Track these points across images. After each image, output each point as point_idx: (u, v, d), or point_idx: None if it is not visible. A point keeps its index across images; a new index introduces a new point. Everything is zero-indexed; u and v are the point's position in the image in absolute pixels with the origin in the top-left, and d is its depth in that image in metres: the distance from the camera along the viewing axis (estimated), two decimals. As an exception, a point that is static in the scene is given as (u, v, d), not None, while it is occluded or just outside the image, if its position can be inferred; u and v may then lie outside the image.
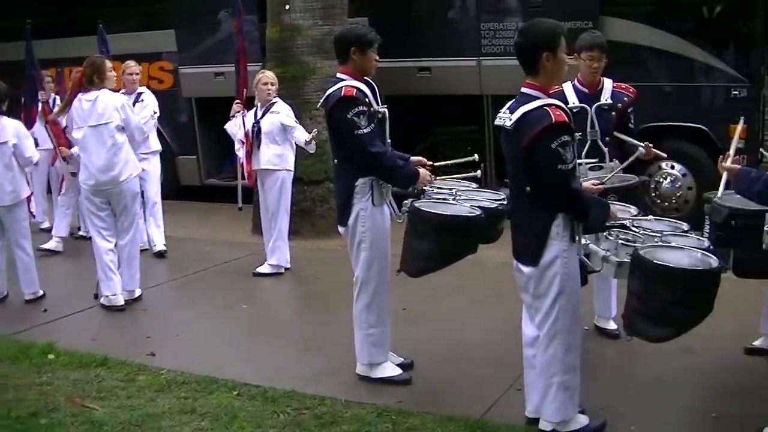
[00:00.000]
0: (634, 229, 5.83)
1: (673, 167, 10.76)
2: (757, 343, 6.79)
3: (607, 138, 7.01)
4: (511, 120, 5.12)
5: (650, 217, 6.33)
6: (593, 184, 5.78)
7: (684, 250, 5.45)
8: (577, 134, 5.47)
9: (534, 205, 5.17)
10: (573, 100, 6.94)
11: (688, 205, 10.57)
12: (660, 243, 5.55)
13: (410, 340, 7.12)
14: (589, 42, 7.01)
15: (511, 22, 10.94)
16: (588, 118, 6.97)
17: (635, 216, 6.12)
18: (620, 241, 5.56)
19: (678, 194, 10.76)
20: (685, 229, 6.04)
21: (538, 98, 5.13)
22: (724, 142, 10.30)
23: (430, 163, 6.63)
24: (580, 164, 6.77)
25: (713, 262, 5.28)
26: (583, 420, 5.57)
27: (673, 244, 5.57)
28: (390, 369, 6.53)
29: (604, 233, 5.68)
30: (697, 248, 5.51)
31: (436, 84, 11.51)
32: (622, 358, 6.84)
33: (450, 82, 11.41)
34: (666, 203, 10.83)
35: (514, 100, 5.27)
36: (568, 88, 7.04)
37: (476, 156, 7.13)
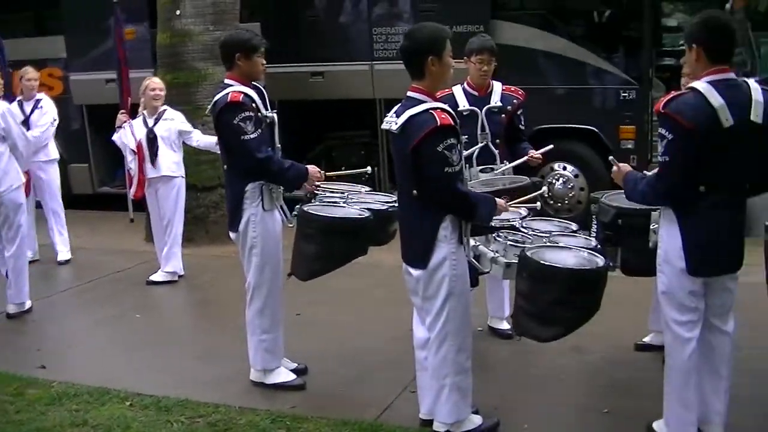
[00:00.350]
0: (523, 230, 5.89)
1: (565, 168, 10.90)
2: (646, 339, 6.93)
3: (498, 140, 7.08)
4: (397, 124, 5.12)
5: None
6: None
7: (571, 250, 5.52)
8: (463, 137, 5.50)
9: (421, 208, 5.17)
10: (463, 104, 7.00)
11: (581, 206, 10.71)
12: (548, 243, 5.61)
13: (304, 345, 7.08)
14: (479, 45, 7.07)
15: (403, 26, 10.95)
16: (479, 121, 7.02)
17: (524, 217, 6.17)
18: (509, 242, 5.60)
19: (570, 195, 10.91)
20: (574, 229, 6.13)
21: (423, 102, 5.15)
22: (614, 143, 10.52)
23: (322, 172, 6.59)
24: (470, 166, 6.86)
25: (599, 261, 5.35)
26: (476, 420, 5.61)
27: (560, 244, 5.65)
28: (284, 374, 6.50)
29: (494, 234, 5.72)
30: (585, 248, 5.59)
31: (329, 88, 11.49)
32: (515, 358, 6.89)
33: (343, 86, 11.41)
34: (559, 204, 10.97)
35: (400, 104, 5.27)
36: (458, 91, 7.09)
37: (369, 168, 7.13)
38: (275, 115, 6.37)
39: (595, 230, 6.15)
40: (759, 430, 5.69)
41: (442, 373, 5.37)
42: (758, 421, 5.80)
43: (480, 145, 7.03)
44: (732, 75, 4.95)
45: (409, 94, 5.24)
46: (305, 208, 6.20)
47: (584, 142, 10.64)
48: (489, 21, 10.69)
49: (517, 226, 5.93)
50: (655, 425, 5.48)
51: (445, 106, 5.20)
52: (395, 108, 5.29)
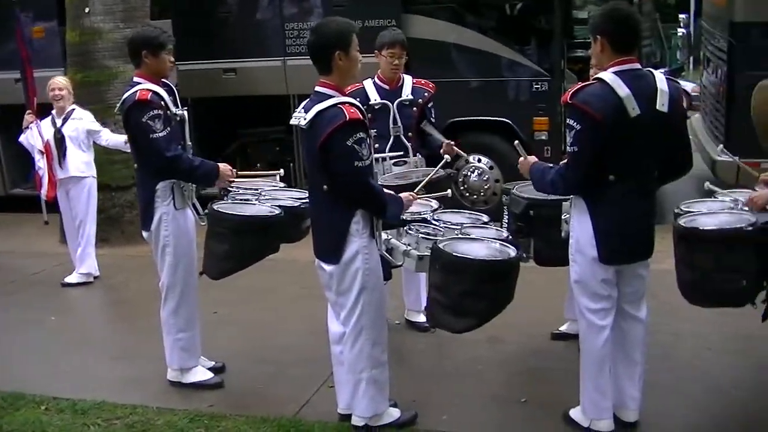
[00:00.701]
0: (434, 222, 5.91)
1: (480, 160, 10.94)
2: (562, 328, 7.01)
3: (410, 133, 7.12)
4: (306, 119, 5.12)
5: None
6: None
7: (483, 242, 5.56)
8: (372, 131, 5.51)
9: (332, 203, 5.17)
10: (374, 97, 7.03)
11: (497, 198, 10.74)
12: (459, 235, 5.64)
13: (222, 343, 7.07)
14: (391, 39, 7.08)
15: (316, 21, 10.90)
16: (390, 115, 7.05)
17: (435, 210, 6.19)
18: (420, 235, 5.61)
19: (486, 187, 10.95)
20: (485, 220, 6.17)
21: (332, 96, 5.14)
22: (528, 134, 10.59)
23: (234, 170, 6.54)
24: (384, 159, 6.87)
25: (511, 252, 5.41)
26: (394, 413, 5.63)
27: (472, 235, 5.68)
28: (201, 373, 6.46)
29: (405, 227, 5.73)
30: (496, 239, 5.63)
31: (242, 85, 11.40)
32: (432, 350, 6.94)
33: (256, 82, 11.33)
34: (474, 196, 11.01)
35: (309, 99, 5.27)
36: (369, 85, 7.12)
37: (282, 171, 7.09)
38: (185, 113, 6.32)
39: (507, 221, 6.20)
40: (673, 414, 5.79)
41: (359, 367, 5.38)
42: (672, 404, 5.91)
43: (392, 137, 7.06)
44: (637, 65, 5.03)
45: (317, 89, 5.24)
46: (216, 207, 6.16)
47: (498, 134, 10.68)
48: (400, 15, 10.70)
49: (429, 218, 5.95)
50: (572, 412, 5.56)
51: (354, 101, 5.21)
52: (303, 103, 5.29)
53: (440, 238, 5.53)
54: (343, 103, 5.08)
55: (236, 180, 6.55)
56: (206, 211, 6.27)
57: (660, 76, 5.03)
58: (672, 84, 5.06)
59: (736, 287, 5.28)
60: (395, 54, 7.04)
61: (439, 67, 10.50)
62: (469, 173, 10.96)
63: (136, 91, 6.02)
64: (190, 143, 6.37)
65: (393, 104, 7.07)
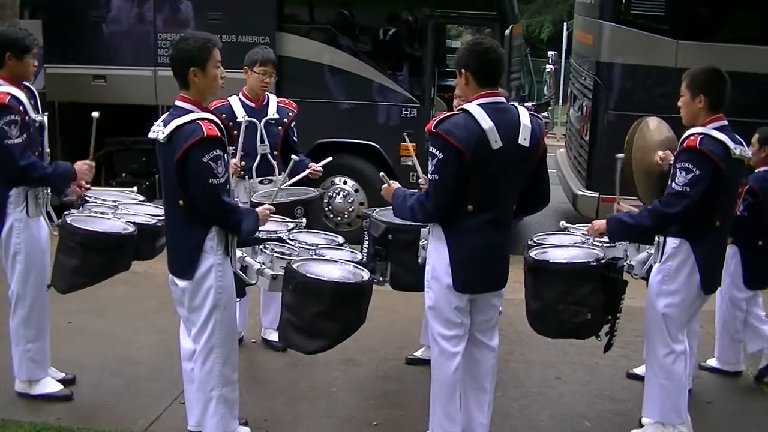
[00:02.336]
0: (290, 242, 5.93)
1: (345, 183, 11.00)
2: (417, 353, 7.06)
3: (275, 152, 7.12)
4: (164, 133, 5.03)
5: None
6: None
7: (337, 263, 5.59)
8: (230, 147, 5.49)
9: (188, 219, 5.10)
10: (242, 114, 7.01)
11: (360, 220, 10.82)
12: (314, 256, 5.67)
13: (74, 355, 6.92)
14: (263, 57, 7.08)
15: (189, 33, 10.83)
16: (258, 133, 7.04)
17: (291, 229, 6.19)
18: (275, 254, 5.59)
19: (350, 209, 11.02)
20: (341, 242, 6.20)
21: (191, 111, 5.08)
22: (395, 159, 10.69)
23: (91, 164, 6.40)
24: (250, 177, 6.88)
25: (364, 274, 5.45)
26: None
27: (326, 257, 5.71)
28: (50, 385, 6.30)
29: (260, 246, 5.71)
30: (350, 261, 5.67)
31: (111, 92, 11.21)
32: (287, 370, 6.91)
33: (125, 91, 11.16)
34: (338, 218, 11.07)
35: (167, 113, 5.21)
36: (235, 101, 7.11)
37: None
38: (45, 119, 6.16)
39: (366, 245, 6.24)
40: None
41: (209, 385, 5.31)
42: (520, 431, 6.02)
43: (259, 156, 7.06)
44: (501, 99, 5.12)
45: (177, 103, 5.17)
46: (68, 219, 6.00)
47: (365, 157, 10.77)
48: (274, 33, 10.70)
49: (284, 237, 5.95)
50: (425, 437, 5.60)
51: (213, 117, 5.14)
52: (162, 117, 5.21)
53: (294, 258, 5.53)
54: (201, 119, 5.01)
55: (93, 190, 6.43)
56: (58, 221, 6.14)
57: (524, 111, 5.12)
58: (535, 119, 5.16)
59: (581, 320, 5.45)
60: (267, 72, 7.05)
61: (311, 88, 10.56)
62: (334, 195, 11.01)
63: None
64: (48, 150, 6.21)
65: (260, 122, 7.06)
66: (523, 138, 5.01)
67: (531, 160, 5.15)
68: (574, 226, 6.44)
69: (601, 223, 5.72)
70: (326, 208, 10.93)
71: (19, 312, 6.15)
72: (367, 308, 5.39)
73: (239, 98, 7.14)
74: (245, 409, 5.77)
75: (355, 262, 5.65)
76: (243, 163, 7.00)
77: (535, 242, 6.04)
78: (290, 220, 6.35)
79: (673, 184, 5.38)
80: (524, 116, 5.07)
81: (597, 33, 10.65)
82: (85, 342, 7.35)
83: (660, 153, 6.44)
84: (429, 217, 5.19)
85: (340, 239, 6.27)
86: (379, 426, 6.06)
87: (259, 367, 6.97)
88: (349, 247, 6.11)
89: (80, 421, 5.97)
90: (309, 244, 5.94)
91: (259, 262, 5.58)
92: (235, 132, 6.97)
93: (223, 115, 6.90)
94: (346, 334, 5.34)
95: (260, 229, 5.50)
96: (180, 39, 5.25)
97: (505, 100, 5.16)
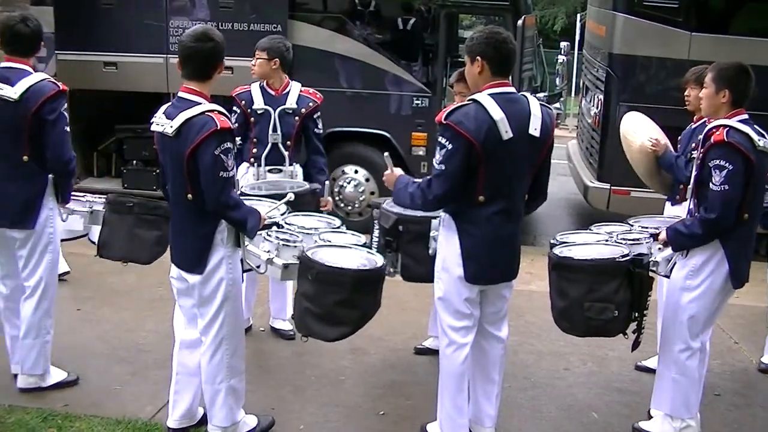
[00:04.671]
0: (287, 226, 5.87)
1: (356, 172, 11.00)
2: (426, 343, 7.05)
3: (288, 142, 7.10)
4: (172, 126, 4.98)
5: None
6: None
7: (350, 249, 5.56)
8: (237, 138, 5.45)
9: (197, 212, 5.09)
10: (259, 102, 7.02)
11: (371, 210, 10.81)
12: (320, 242, 5.64)
13: (82, 342, 6.95)
14: (259, 45, 7.13)
15: (200, 21, 10.81)
16: (270, 122, 7.03)
17: (284, 213, 6.10)
18: (280, 242, 5.53)
19: (361, 198, 11.01)
20: (338, 225, 6.16)
21: (199, 104, 5.06)
22: (406, 149, 10.69)
23: None
24: (259, 165, 6.87)
25: (378, 260, 5.43)
26: (251, 421, 5.61)
27: (334, 242, 5.67)
28: (58, 373, 6.25)
29: (262, 233, 5.66)
30: (358, 245, 5.66)
31: (122, 80, 11.23)
32: (295, 359, 6.92)
33: (137, 78, 11.17)
34: (349, 207, 11.07)
35: (170, 105, 5.18)
36: (255, 89, 7.11)
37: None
38: None
39: (376, 235, 6.22)
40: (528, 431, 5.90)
41: (218, 377, 5.33)
42: (529, 423, 6.03)
43: (270, 145, 7.05)
44: (512, 89, 5.09)
45: (182, 95, 5.13)
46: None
47: (377, 147, 10.75)
48: (286, 21, 10.69)
49: (280, 222, 5.88)
50: (429, 427, 5.60)
51: (222, 109, 5.11)
52: (163, 109, 5.17)
53: (303, 245, 5.49)
54: (212, 111, 5.00)
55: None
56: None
57: (534, 101, 5.10)
58: (545, 109, 5.14)
59: (607, 317, 5.40)
60: (262, 58, 7.06)
61: (322, 76, 10.51)
62: (345, 184, 11.00)
63: None
64: None
65: (275, 111, 7.04)
66: (534, 128, 4.99)
67: (541, 151, 5.13)
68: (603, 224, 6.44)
69: (663, 234, 5.70)
70: (337, 198, 10.93)
71: (43, 304, 6.06)
72: (381, 293, 5.39)
73: (260, 86, 7.13)
74: (252, 397, 5.78)
75: (360, 246, 5.65)
76: (255, 150, 7.03)
77: (558, 240, 6.01)
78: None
79: (711, 184, 5.34)
80: (534, 106, 5.05)
81: (610, 24, 10.61)
82: (93, 329, 7.37)
83: (647, 142, 6.50)
84: (426, 205, 5.14)
85: (337, 221, 6.23)
86: (387, 415, 6.06)
87: (267, 356, 6.97)
88: (350, 230, 6.06)
89: (87, 407, 5.97)
90: (308, 228, 5.90)
91: (265, 251, 5.53)
92: (252, 119, 7.03)
93: (243, 102, 6.95)
94: (366, 320, 5.32)
95: None
96: (211, 31, 5.20)
97: (515, 90, 5.15)
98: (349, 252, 5.51)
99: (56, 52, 11.25)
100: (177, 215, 5.31)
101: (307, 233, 5.77)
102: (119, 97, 11.36)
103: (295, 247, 5.46)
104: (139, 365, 6.66)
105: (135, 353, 6.86)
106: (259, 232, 5.42)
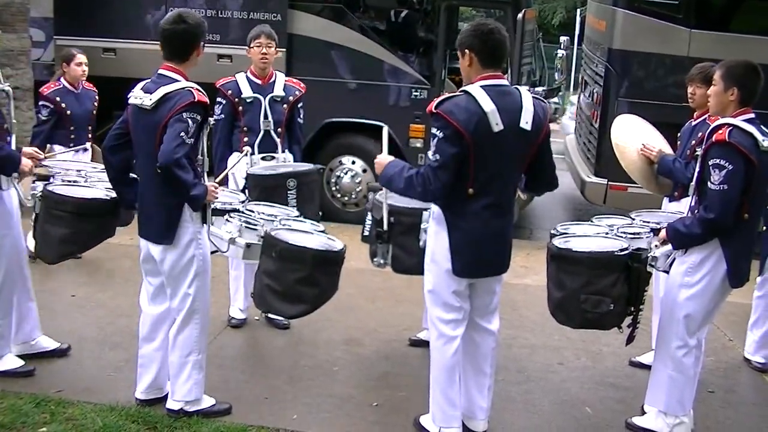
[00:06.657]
0: (248, 212, 5.97)
1: (353, 163, 10.99)
2: (420, 335, 7.03)
3: (279, 129, 7.21)
4: (151, 100, 5.15)
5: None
6: None
7: (310, 234, 5.76)
8: (210, 118, 5.49)
9: (166, 185, 5.19)
10: (247, 91, 7.12)
11: (368, 192, 10.80)
12: (282, 226, 5.81)
13: (76, 327, 6.96)
14: (255, 32, 7.23)
15: (199, 7, 10.78)
16: (261, 109, 7.11)
17: (243, 201, 6.25)
18: (243, 225, 5.71)
19: (358, 189, 11.01)
20: (297, 214, 6.25)
21: (178, 81, 5.24)
22: (404, 141, 10.68)
23: (43, 155, 6.39)
24: (252, 153, 6.90)
25: (338, 245, 5.63)
26: (208, 400, 5.71)
27: (294, 227, 5.85)
28: (11, 361, 6.16)
29: (224, 216, 5.80)
30: (318, 231, 5.85)
31: (121, 66, 11.19)
32: (289, 349, 6.89)
33: (135, 64, 11.12)
34: (346, 197, 11.07)
35: (149, 81, 5.33)
36: (241, 78, 7.20)
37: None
38: (10, 89, 6.09)
39: (368, 226, 6.22)
40: (522, 426, 5.89)
41: (186, 351, 5.50)
42: (522, 417, 6.02)
43: (262, 132, 7.14)
44: (504, 81, 5.09)
45: (162, 71, 5.32)
46: (51, 189, 5.97)
47: (374, 138, 10.73)
48: (286, 10, 10.67)
49: (240, 209, 6.01)
50: (422, 419, 5.59)
51: (200, 88, 5.27)
52: (142, 84, 5.33)
53: (268, 227, 5.66)
54: (192, 87, 5.20)
55: (47, 157, 6.41)
56: (32, 192, 6.05)
57: (527, 94, 5.09)
58: (538, 103, 5.12)
59: (603, 310, 5.42)
60: (262, 44, 7.15)
61: (321, 66, 10.52)
62: (342, 175, 10.99)
63: None
64: (15, 121, 6.09)
65: (264, 99, 7.14)
66: (525, 121, 4.98)
67: (533, 144, 5.11)
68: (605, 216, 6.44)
69: (662, 232, 5.69)
70: (333, 188, 10.93)
71: None
72: (339, 276, 5.59)
73: (246, 75, 7.21)
74: (246, 387, 5.78)
75: (320, 232, 5.86)
76: (246, 138, 7.10)
77: (558, 231, 6.01)
78: (239, 192, 6.51)
79: (709, 183, 5.32)
80: (527, 99, 5.04)
81: (610, 19, 10.59)
82: (88, 314, 7.35)
83: (639, 147, 6.52)
84: (426, 193, 5.04)
85: (295, 212, 6.32)
86: (380, 407, 6.04)
87: (261, 345, 6.97)
88: (307, 220, 6.16)
89: (80, 393, 5.95)
90: (267, 215, 6.02)
91: (227, 232, 5.69)
92: (240, 108, 7.09)
93: (230, 92, 7.00)
94: (324, 299, 5.56)
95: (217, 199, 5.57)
96: (187, 13, 5.38)
97: (507, 83, 5.14)
98: (311, 236, 5.72)
99: (54, 37, 11.22)
100: (145, 189, 5.42)
101: (268, 219, 5.89)
102: (117, 84, 11.31)
103: (257, 230, 5.65)
104: (133, 352, 6.56)
105: (129, 339, 6.81)
106: (224, 217, 5.64)
